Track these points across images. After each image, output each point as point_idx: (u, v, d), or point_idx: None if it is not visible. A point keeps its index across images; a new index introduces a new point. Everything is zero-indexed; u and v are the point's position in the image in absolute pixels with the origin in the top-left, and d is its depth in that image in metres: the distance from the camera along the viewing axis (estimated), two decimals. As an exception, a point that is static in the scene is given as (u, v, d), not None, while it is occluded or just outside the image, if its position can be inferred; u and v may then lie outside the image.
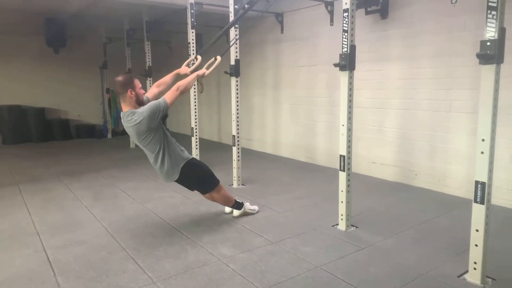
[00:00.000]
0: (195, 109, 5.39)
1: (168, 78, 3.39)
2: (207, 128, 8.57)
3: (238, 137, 4.59)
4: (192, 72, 3.36)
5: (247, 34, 6.90)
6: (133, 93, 2.95)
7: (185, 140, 8.49)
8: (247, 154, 6.70)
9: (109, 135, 9.09)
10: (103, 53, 8.74)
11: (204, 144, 7.80)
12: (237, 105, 4.57)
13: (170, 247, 2.93)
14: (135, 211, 3.78)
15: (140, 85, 3.05)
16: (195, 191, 3.50)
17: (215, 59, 3.40)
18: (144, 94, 3.10)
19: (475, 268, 2.39)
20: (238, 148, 4.61)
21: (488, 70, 2.39)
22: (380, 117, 4.87)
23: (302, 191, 4.42)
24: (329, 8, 5.25)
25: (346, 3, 3.01)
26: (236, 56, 4.48)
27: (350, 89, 3.11)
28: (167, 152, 3.09)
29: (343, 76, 3.11)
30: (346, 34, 3.04)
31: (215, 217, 3.61)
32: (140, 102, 3.01)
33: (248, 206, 3.63)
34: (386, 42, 4.68)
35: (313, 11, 5.56)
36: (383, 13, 4.62)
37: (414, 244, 2.94)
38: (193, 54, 5.20)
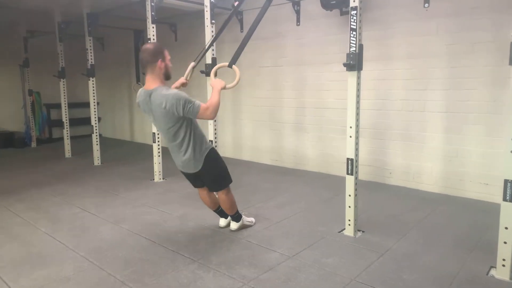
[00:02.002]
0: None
1: None
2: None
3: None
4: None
5: (200, 32, 6.51)
6: (163, 64, 2.67)
7: (125, 146, 7.80)
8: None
9: (33, 144, 7.90)
10: (23, 49, 7.54)
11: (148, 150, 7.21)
12: None
13: (180, 275, 2.52)
14: (113, 234, 3.23)
15: (169, 57, 2.76)
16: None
17: (230, 67, 3.11)
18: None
19: (503, 265, 2.44)
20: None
21: (352, 76, 2.95)
22: (352, 118, 4.89)
23: (286, 196, 4.24)
24: (296, 7, 5.14)
25: (354, 1, 2.90)
26: (213, 55, 4.13)
27: (358, 90, 3.01)
28: (192, 139, 2.80)
29: (351, 77, 2.99)
30: (354, 33, 2.93)
31: (211, 232, 3.24)
32: (168, 76, 2.75)
33: (245, 218, 3.33)
34: (358, 43, 4.72)
35: (277, 10, 5.40)
36: (354, 14, 4.64)
37: (426, 245, 2.93)
38: (154, 51, 4.68)
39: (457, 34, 3.99)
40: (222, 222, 3.33)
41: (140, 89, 2.79)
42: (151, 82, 2.67)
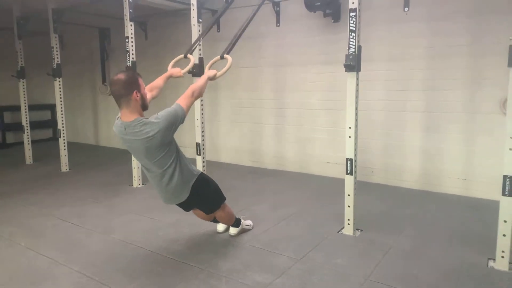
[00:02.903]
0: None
1: (160, 81, 2.88)
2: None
3: None
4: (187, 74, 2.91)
5: (175, 31, 6.33)
6: (138, 94, 2.37)
7: (91, 151, 7.36)
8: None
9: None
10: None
11: (120, 154, 6.90)
12: None
13: (191, 285, 2.40)
14: (105, 245, 3.02)
15: (144, 85, 2.46)
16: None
17: (222, 58, 2.96)
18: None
19: (502, 257, 2.58)
20: None
21: (351, 77, 3.00)
22: (333, 118, 4.98)
23: (275, 197, 4.20)
24: (276, 8, 5.13)
25: (353, 3, 2.94)
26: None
27: (357, 90, 3.05)
28: (178, 168, 2.54)
29: (350, 77, 3.03)
30: (353, 34, 2.96)
31: (211, 239, 3.13)
32: (145, 107, 2.47)
33: (244, 222, 3.26)
34: (339, 45, 4.80)
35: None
36: (335, 16, 4.72)
37: (424, 241, 3.03)
38: (132, 51, 4.48)
39: (435, 37, 4.18)
40: (220, 227, 3.23)
41: (117, 119, 2.48)
42: (128, 115, 2.36)
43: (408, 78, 4.40)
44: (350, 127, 3.09)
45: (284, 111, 5.38)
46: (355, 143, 3.10)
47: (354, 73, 3.00)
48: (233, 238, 3.12)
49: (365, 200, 4.05)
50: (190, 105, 2.56)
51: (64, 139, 5.62)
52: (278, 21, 5.22)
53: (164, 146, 2.42)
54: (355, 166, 3.13)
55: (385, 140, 4.66)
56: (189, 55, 3.16)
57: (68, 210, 3.84)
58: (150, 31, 6.66)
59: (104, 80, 7.39)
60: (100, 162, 6.27)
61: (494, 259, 2.66)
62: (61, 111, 5.58)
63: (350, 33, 2.97)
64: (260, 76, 5.55)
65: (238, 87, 5.79)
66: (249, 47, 5.54)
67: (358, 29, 2.97)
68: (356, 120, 3.08)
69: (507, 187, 2.52)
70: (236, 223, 3.15)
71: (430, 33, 4.21)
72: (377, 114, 4.66)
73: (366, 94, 4.70)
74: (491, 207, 3.74)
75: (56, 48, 5.43)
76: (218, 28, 5.82)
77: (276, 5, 5.12)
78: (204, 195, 2.77)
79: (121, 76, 2.33)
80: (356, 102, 3.06)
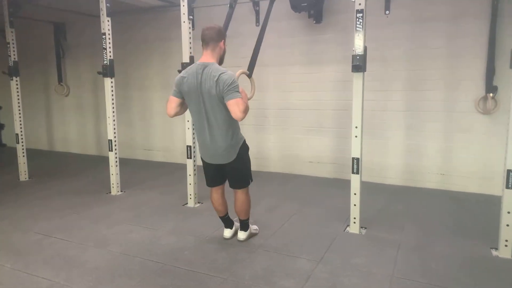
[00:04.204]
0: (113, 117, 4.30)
1: None
2: (81, 139, 7.01)
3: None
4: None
5: (144, 29, 6.00)
6: (224, 46, 2.76)
7: (47, 157, 6.71)
8: (155, 167, 5.87)
9: None
10: None
11: (82, 159, 6.42)
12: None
13: (219, 296, 2.27)
14: (106, 260, 2.75)
15: None
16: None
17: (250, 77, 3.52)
18: None
19: (506, 245, 2.75)
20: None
21: (358, 77, 3.04)
22: (316, 118, 5.03)
23: (268, 199, 4.12)
24: (256, 8, 5.07)
25: (360, 4, 2.97)
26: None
27: (363, 90, 3.09)
28: (234, 127, 2.73)
29: (357, 78, 3.06)
30: (360, 35, 2.99)
31: (220, 246, 2.99)
32: (222, 60, 2.80)
33: (251, 226, 3.16)
34: (321, 46, 4.86)
35: (236, 9, 5.25)
36: (317, 17, 4.77)
37: (428, 236, 3.12)
38: (109, 49, 4.16)
39: (415, 40, 4.38)
40: (228, 233, 3.10)
41: (188, 68, 2.70)
42: (209, 57, 2.66)
43: (389, 79, 4.56)
44: (356, 127, 3.11)
45: (265, 111, 5.33)
46: (361, 143, 3.13)
47: (361, 73, 3.03)
48: (242, 244, 3.00)
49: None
50: (236, 104, 2.53)
51: (23, 145, 5.08)
52: (257, 21, 5.15)
53: (222, 100, 2.58)
54: (361, 165, 3.16)
55: (368, 139, 4.75)
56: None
57: (47, 224, 3.46)
58: (116, 28, 6.23)
59: (60, 80, 6.80)
60: (61, 169, 5.76)
61: (496, 248, 2.84)
62: (19, 114, 5.04)
63: (357, 34, 3.00)
64: (240, 76, 5.43)
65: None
66: (228, 46, 5.39)
67: (364, 30, 3.00)
68: (362, 120, 3.11)
69: (511, 180, 2.68)
70: (246, 225, 3.04)
71: (410, 36, 4.40)
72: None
73: (348, 94, 4.79)
74: (471, 199, 4.03)
75: (13, 44, 4.89)
76: (193, 26, 5.59)
77: (256, 5, 5.06)
78: (243, 163, 2.84)
79: (215, 25, 2.69)
80: (362, 102, 3.09)
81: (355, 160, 3.16)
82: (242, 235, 3.04)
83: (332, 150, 5.00)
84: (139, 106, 6.29)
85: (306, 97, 5.06)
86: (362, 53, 3.00)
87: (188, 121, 3.92)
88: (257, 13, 5.12)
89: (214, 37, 2.66)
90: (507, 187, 2.71)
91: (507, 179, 2.70)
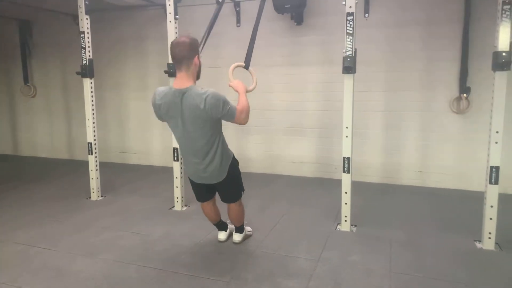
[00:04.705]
0: (93, 120, 4.14)
1: None
2: (49, 142, 6.67)
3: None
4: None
5: (119, 28, 5.80)
6: (198, 60, 2.45)
7: (11, 161, 6.32)
8: (132, 170, 5.70)
9: None
10: None
11: (52, 164, 6.14)
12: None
13: (226, 300, 2.24)
14: (101, 269, 2.64)
15: None
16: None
17: (247, 69, 3.13)
18: None
19: (489, 238, 2.91)
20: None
21: (348, 78, 3.13)
22: (298, 119, 5.09)
23: (254, 200, 4.08)
24: (237, 8, 5.05)
25: (350, 7, 3.04)
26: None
27: (353, 91, 3.16)
28: (221, 145, 2.58)
29: (348, 79, 3.13)
30: (350, 37, 3.07)
31: (216, 248, 2.96)
32: (199, 76, 2.53)
33: (246, 228, 3.14)
34: (302, 47, 4.92)
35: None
36: (298, 19, 4.82)
37: (417, 232, 3.22)
38: (88, 48, 4.00)
39: (393, 42, 4.54)
40: (223, 235, 3.06)
41: (163, 88, 2.45)
42: (185, 80, 2.38)
43: (369, 80, 4.69)
44: (347, 127, 3.19)
45: (253, 112, 5.31)
46: (352, 142, 3.21)
47: (351, 75, 3.10)
48: (238, 246, 2.99)
49: (338, 196, 4.21)
50: (238, 118, 2.51)
51: (-10, 150, 4.77)
52: (238, 21, 5.14)
53: (213, 121, 2.44)
54: (351, 165, 3.24)
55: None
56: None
57: (26, 233, 3.27)
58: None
59: (26, 80, 6.43)
60: (31, 175, 5.46)
61: (479, 241, 3.00)
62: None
63: (348, 36, 3.07)
64: (219, 76, 5.38)
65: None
66: (208, 46, 5.34)
67: (355, 32, 3.08)
68: (352, 120, 3.19)
69: (493, 176, 2.84)
70: (241, 228, 3.03)
71: (388, 39, 4.56)
72: (339, 114, 4.84)
73: (329, 95, 4.91)
74: (448, 195, 4.24)
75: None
76: (171, 25, 5.48)
77: (237, 5, 5.04)
78: (233, 179, 2.73)
79: (185, 39, 2.35)
80: (353, 103, 3.17)
81: (345, 160, 3.23)
82: (237, 237, 3.02)
83: (315, 150, 5.08)
84: (113, 107, 6.08)
85: (288, 98, 5.10)
86: (353, 55, 3.07)
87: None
88: (238, 13, 5.10)
89: (186, 55, 2.34)
90: (490, 182, 2.87)
91: (490, 175, 2.86)
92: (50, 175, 5.35)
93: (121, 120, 6.05)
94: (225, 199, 2.84)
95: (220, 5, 3.56)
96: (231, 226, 3.13)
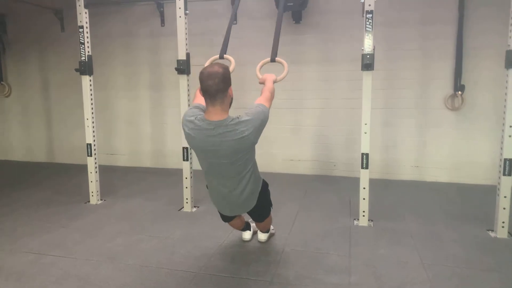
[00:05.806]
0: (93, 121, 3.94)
1: None
2: (26, 145, 6.24)
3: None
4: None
5: (108, 24, 5.54)
6: (231, 93, 2.22)
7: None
8: (124, 172, 5.48)
9: None
10: None
11: (32, 168, 5.77)
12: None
13: (275, 300, 2.20)
14: (128, 276, 2.50)
15: None
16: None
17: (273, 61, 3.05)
18: None
19: (503, 227, 3.07)
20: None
21: (367, 75, 3.22)
22: (296, 117, 5.10)
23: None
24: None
25: (370, 5, 3.09)
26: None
27: (370, 88, 3.22)
28: (254, 173, 2.33)
29: (366, 76, 3.18)
30: (369, 35, 3.12)
31: (243, 249, 2.90)
32: (230, 105, 2.27)
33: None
34: (301, 46, 4.94)
35: (212, 6, 5.13)
36: (296, 17, 4.84)
37: (430, 224, 3.31)
38: (88, 43, 3.80)
39: (391, 41, 4.67)
40: (247, 235, 3.01)
41: (192, 115, 2.20)
42: (220, 114, 2.13)
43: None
44: (365, 124, 3.24)
45: (241, 111, 5.25)
46: (369, 139, 3.26)
47: (370, 72, 3.15)
48: (265, 245, 2.95)
49: (345, 192, 4.27)
50: (269, 105, 2.37)
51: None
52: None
53: (252, 146, 2.21)
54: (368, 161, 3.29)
55: (346, 136, 4.99)
56: (226, 56, 2.90)
57: (32, 240, 3.04)
58: (68, 21, 5.67)
59: (0, 79, 5.99)
60: (17, 179, 5.09)
61: (492, 230, 3.15)
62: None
63: (366, 34, 3.12)
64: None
65: (193, 87, 5.41)
66: (200, 44, 5.24)
67: (373, 30, 3.13)
68: (370, 117, 3.24)
69: (507, 168, 2.99)
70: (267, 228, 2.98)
71: (386, 38, 4.68)
72: (337, 112, 4.96)
73: (327, 93, 4.97)
74: (445, 188, 4.42)
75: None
76: (163, 22, 5.33)
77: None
78: (263, 202, 2.55)
79: (218, 69, 2.09)
80: (370, 100, 3.22)
81: (364, 156, 3.28)
82: (263, 236, 2.98)
83: (314, 148, 5.12)
84: (100, 106, 5.76)
85: (285, 96, 5.10)
86: (372, 52, 3.12)
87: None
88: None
89: (221, 88, 2.08)
90: (504, 174, 3.02)
91: (504, 167, 3.01)
92: (28, 179, 5.00)
93: (108, 120, 5.78)
94: (256, 219, 2.76)
95: (235, 6, 3.49)
96: (253, 225, 3.08)
